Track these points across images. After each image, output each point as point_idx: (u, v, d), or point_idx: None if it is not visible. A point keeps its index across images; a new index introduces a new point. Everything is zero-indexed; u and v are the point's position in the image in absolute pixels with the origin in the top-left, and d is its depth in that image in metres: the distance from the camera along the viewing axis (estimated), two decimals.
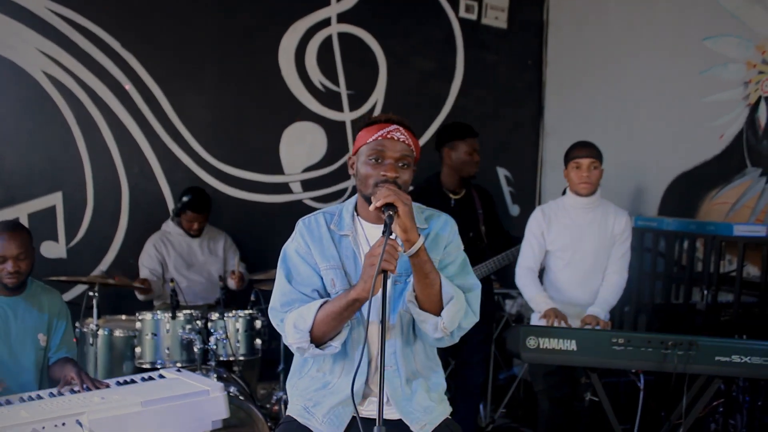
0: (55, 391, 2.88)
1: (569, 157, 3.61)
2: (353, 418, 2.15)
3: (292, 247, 2.24)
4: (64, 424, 2.51)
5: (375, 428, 1.73)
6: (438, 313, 2.09)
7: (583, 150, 3.57)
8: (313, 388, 2.23)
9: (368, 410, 2.19)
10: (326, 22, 5.23)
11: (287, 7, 5.11)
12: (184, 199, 4.50)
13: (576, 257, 3.60)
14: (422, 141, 5.57)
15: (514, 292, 5.44)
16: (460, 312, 2.11)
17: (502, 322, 5.25)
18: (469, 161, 4.03)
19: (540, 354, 2.97)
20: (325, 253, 2.19)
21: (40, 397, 2.80)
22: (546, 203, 3.80)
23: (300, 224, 2.26)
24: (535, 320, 3.66)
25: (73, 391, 2.84)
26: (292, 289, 2.17)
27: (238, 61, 4.99)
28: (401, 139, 2.15)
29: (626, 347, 2.96)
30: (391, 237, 1.94)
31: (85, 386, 2.85)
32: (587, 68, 5.57)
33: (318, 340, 2.09)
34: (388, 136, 2.14)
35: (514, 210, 5.95)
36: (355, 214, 2.26)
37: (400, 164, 2.14)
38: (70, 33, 4.49)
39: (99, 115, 4.61)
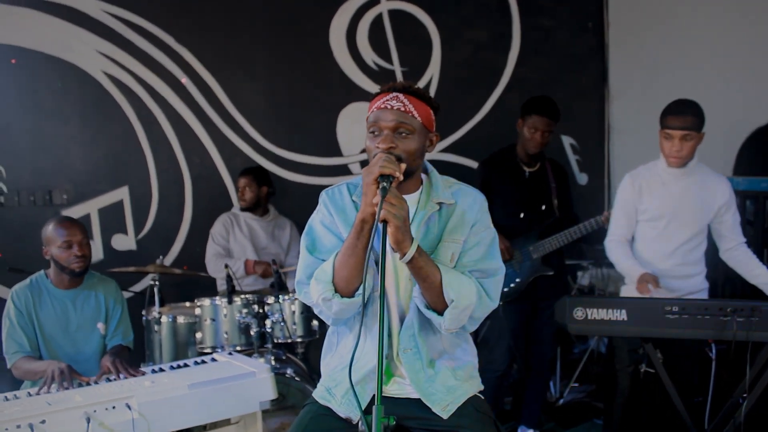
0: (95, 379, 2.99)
1: (662, 123, 3.27)
2: (374, 396, 2.12)
3: (317, 219, 2.22)
4: (114, 407, 2.61)
5: (374, 408, 1.69)
6: (443, 310, 2.06)
7: (676, 119, 3.21)
8: (341, 367, 2.22)
9: (391, 389, 2.17)
10: (375, 1, 5.19)
11: None
12: None
13: (671, 227, 3.32)
14: (482, 113, 5.51)
15: (584, 263, 5.28)
16: (464, 312, 2.06)
17: (572, 293, 5.10)
18: (529, 138, 3.90)
19: (588, 325, 2.87)
20: (348, 222, 2.15)
21: (96, 383, 2.93)
22: (636, 169, 3.47)
23: (324, 195, 2.24)
24: (625, 292, 3.47)
25: (108, 380, 2.94)
26: (315, 260, 2.15)
27: (290, 46, 5.02)
28: (396, 107, 2.07)
29: (681, 315, 2.81)
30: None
31: (122, 375, 2.96)
32: (651, 26, 5.29)
33: (343, 290, 2.05)
34: (383, 105, 2.09)
35: (582, 179, 5.75)
36: None
37: (399, 133, 2.07)
38: (125, 32, 4.63)
39: (158, 109, 4.75)
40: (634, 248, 3.50)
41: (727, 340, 2.83)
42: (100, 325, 3.26)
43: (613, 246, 3.46)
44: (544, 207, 4.02)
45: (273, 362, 3.67)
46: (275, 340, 3.85)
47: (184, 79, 4.80)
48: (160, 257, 4.11)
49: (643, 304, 2.89)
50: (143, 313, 4.02)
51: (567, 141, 5.68)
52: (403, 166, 2.01)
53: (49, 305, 3.19)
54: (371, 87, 5.16)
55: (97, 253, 4.60)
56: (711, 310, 2.81)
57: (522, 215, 3.94)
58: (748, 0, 4.46)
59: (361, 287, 2.03)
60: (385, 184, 1.92)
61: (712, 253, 3.47)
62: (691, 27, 4.91)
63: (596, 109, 5.77)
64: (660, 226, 3.35)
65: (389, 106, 2.08)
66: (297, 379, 3.62)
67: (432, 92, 5.33)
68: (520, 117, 3.96)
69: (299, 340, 3.92)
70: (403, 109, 2.08)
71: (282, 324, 3.85)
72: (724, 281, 4.11)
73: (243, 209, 4.68)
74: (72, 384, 2.86)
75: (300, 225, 4.87)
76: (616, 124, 5.72)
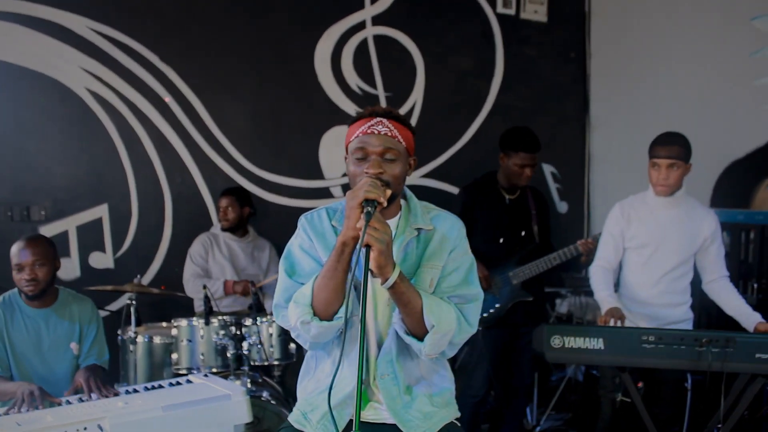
0: (70, 398, 2.94)
1: (650, 152, 3.33)
2: (350, 421, 2.10)
3: (296, 243, 2.21)
4: (86, 428, 2.57)
5: None
6: (422, 336, 2.05)
7: (663, 149, 3.27)
8: (317, 391, 2.20)
9: (368, 414, 2.15)
10: (361, 26, 5.23)
11: (321, 13, 5.13)
12: None
13: (657, 255, 3.36)
14: (464, 140, 5.55)
15: (563, 291, 5.30)
16: (445, 337, 2.06)
17: (551, 321, 5.11)
18: (518, 174, 3.93)
19: (565, 353, 2.87)
20: (328, 246, 2.14)
21: (69, 403, 2.88)
22: (626, 198, 3.53)
23: (303, 219, 2.23)
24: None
25: (81, 400, 2.90)
26: (294, 283, 2.14)
27: (275, 69, 5.04)
28: (383, 132, 2.08)
29: (657, 345, 2.83)
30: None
31: (93, 395, 2.91)
32: (632, 57, 5.39)
33: (322, 312, 2.03)
34: (369, 131, 2.09)
35: (562, 207, 5.79)
36: None
37: (385, 158, 2.08)
38: (110, 50, 4.62)
39: (141, 128, 4.73)
40: (622, 275, 3.52)
41: (703, 371, 2.86)
42: (73, 345, 3.21)
43: (596, 272, 3.49)
44: (523, 233, 4.04)
45: (249, 385, 3.62)
46: (252, 363, 3.81)
47: (168, 98, 4.79)
48: (138, 276, 4.07)
49: (620, 333, 2.91)
50: (119, 332, 3.97)
51: (548, 169, 5.73)
52: (389, 192, 2.02)
53: (21, 324, 3.14)
54: (355, 111, 5.15)
55: (74, 270, 4.56)
56: (687, 340, 2.83)
57: (501, 240, 3.96)
58: (726, 34, 4.55)
59: (341, 310, 2.02)
60: (369, 209, 1.91)
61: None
62: (671, 59, 5.00)
63: (577, 138, 5.84)
64: (646, 254, 3.39)
65: (376, 131, 2.09)
66: (273, 402, 3.58)
67: (415, 118, 5.37)
68: (502, 151, 3.98)
69: (276, 363, 3.90)
70: (389, 134, 2.09)
71: (259, 346, 3.82)
72: (718, 313, 4.15)
73: (224, 229, 4.65)
74: (43, 406, 2.81)
75: (280, 247, 4.84)
76: (597, 153, 5.78)
